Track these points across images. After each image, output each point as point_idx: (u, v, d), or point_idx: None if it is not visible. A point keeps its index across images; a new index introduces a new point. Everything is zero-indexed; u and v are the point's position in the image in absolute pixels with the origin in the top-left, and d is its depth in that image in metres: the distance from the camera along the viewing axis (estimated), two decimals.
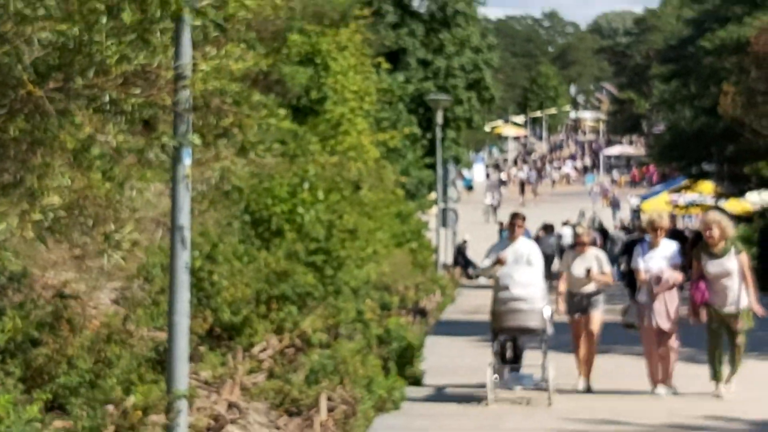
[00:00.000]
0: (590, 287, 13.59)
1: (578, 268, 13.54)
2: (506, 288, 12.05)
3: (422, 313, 21.30)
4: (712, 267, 12.52)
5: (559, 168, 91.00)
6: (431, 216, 38.75)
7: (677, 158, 44.91)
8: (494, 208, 62.03)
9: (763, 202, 40.13)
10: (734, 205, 41.52)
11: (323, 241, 12.80)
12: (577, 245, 13.88)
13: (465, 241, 40.81)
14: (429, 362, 14.82)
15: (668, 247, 13.11)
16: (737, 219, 37.77)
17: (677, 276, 12.96)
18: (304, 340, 11.96)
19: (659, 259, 12.95)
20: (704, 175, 42.54)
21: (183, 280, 7.36)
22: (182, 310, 7.32)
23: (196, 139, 7.74)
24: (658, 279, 12.78)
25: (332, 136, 25.14)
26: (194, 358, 9.75)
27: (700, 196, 43.40)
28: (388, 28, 40.20)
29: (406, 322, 16.14)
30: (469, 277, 36.61)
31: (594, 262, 13.61)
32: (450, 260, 39.50)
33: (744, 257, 12.56)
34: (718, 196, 40.20)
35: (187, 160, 7.46)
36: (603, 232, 41.79)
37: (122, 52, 7.01)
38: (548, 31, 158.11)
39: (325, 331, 12.92)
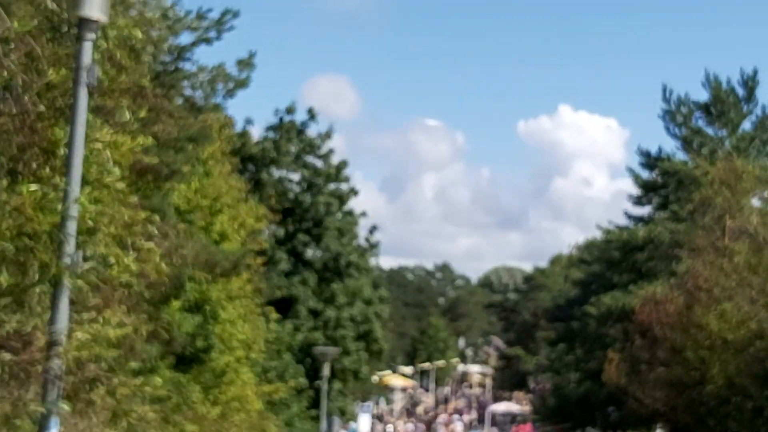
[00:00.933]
0: None
1: None
2: None
3: None
4: None
5: (447, 425, 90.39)
6: None
7: (562, 421, 45.05)
8: None
9: None
10: None
11: None
12: None
13: None
14: None
15: None
16: None
17: None
18: None
19: None
20: None
21: None
22: None
23: (66, 406, 7.43)
24: None
25: (216, 386, 24.71)
26: None
27: None
28: (281, 276, 40.31)
29: None
30: None
31: None
32: None
33: None
34: None
35: (53, 430, 7.13)
36: None
37: None
38: (440, 282, 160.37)
39: None
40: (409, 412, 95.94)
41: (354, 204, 43.68)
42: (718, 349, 26.04)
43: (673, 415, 29.88)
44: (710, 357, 26.41)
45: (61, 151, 7.72)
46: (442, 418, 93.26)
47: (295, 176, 42.67)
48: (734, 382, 25.07)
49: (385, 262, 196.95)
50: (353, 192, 43.20)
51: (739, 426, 25.82)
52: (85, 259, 7.23)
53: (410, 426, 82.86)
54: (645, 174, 40.26)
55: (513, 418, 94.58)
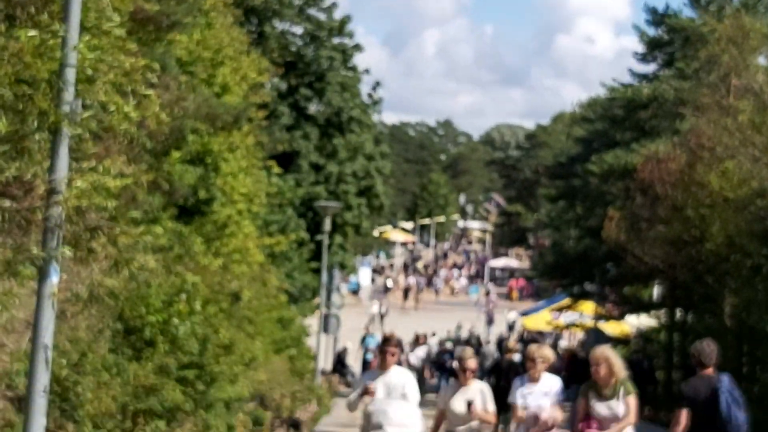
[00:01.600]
0: (472, 426, 11.77)
1: (458, 403, 11.73)
2: (379, 427, 10.01)
3: (296, 425, 20.89)
4: (599, 409, 11.11)
5: (449, 280, 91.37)
6: (314, 319, 38.42)
7: (560, 277, 45.42)
8: (381, 317, 61.75)
9: (642, 325, 40.71)
10: (614, 327, 42.03)
11: (197, 355, 12.45)
12: (461, 373, 11.96)
13: (345, 348, 40.50)
14: None
15: (550, 383, 11.86)
16: (616, 341, 38.25)
17: (557, 415, 11.72)
18: None
19: (539, 395, 11.73)
20: (586, 295, 43.02)
21: (40, 404, 6.99)
22: None
23: (67, 251, 7.44)
24: (536, 418, 11.64)
25: (218, 238, 24.84)
26: None
27: (581, 316, 43.85)
28: (282, 130, 40.21)
29: None
30: (348, 385, 36.24)
31: (478, 396, 11.79)
32: (329, 367, 39.10)
33: (633, 400, 11.08)
34: (599, 317, 40.63)
35: (54, 278, 7.15)
36: (477, 347, 42.00)
37: None
38: (441, 139, 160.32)
39: None
40: (407, 266, 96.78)
41: (357, 60, 43.34)
42: (718, 208, 26.11)
43: (671, 273, 30.10)
44: (710, 215, 26.50)
45: None
46: (442, 272, 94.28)
47: (298, 30, 42.25)
48: (734, 241, 25.19)
49: (387, 117, 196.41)
50: (357, 48, 42.81)
51: (737, 284, 26.05)
52: (84, 106, 7.14)
53: (411, 279, 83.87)
54: (651, 31, 39.84)
55: (511, 274, 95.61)
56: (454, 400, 11.80)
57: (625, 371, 11.30)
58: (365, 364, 37.61)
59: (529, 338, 42.71)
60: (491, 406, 11.82)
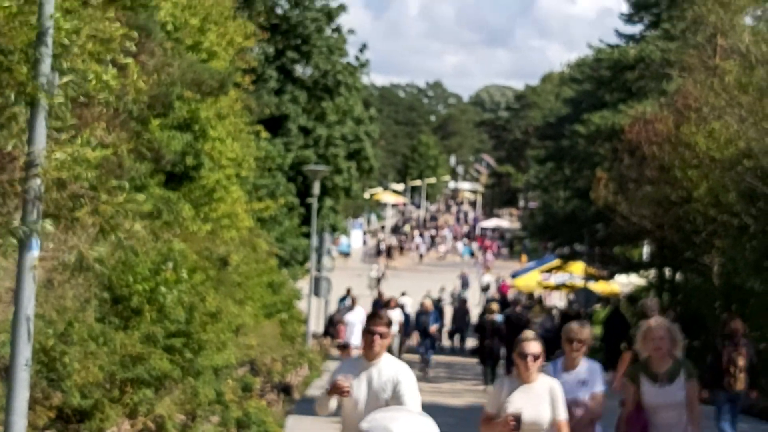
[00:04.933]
0: None
1: (530, 409, 8.24)
2: None
3: (286, 390, 20.97)
4: (653, 395, 9.20)
5: (441, 242, 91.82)
6: (305, 283, 38.48)
7: (549, 238, 45.56)
8: (378, 281, 61.65)
9: (632, 284, 40.87)
10: (603, 287, 42.21)
11: (184, 323, 12.48)
12: (520, 362, 8.33)
13: (337, 311, 40.57)
14: None
15: (590, 368, 9.51)
16: (606, 301, 38.41)
17: (597, 409, 9.43)
18: (159, 425, 11.60)
19: (575, 385, 9.27)
20: (575, 256, 43.17)
21: (22, 378, 7.00)
22: (20, 410, 6.97)
23: (49, 226, 7.44)
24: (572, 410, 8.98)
25: (206, 203, 24.82)
26: None
27: (571, 277, 44.01)
28: (270, 93, 40.10)
29: (267, 403, 15.85)
30: (339, 347, 36.36)
31: (544, 402, 8.33)
32: (321, 330, 39.22)
33: (694, 385, 9.21)
34: (588, 277, 40.78)
35: (35, 250, 7.15)
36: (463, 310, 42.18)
37: None
38: (431, 100, 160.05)
39: (183, 414, 12.58)
40: (397, 227, 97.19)
41: (341, 21, 43.17)
42: (705, 168, 26.18)
43: (659, 233, 30.21)
44: (698, 176, 26.57)
45: None
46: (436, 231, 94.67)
47: None
48: (721, 201, 25.28)
49: (376, 79, 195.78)
50: (342, 8, 42.62)
51: (724, 243, 26.16)
52: (62, 73, 7.11)
53: (418, 239, 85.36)
54: None
55: (502, 234, 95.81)
56: (516, 403, 8.20)
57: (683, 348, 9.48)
58: (329, 330, 37.32)
59: (500, 300, 42.48)
60: (563, 413, 8.39)
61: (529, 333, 8.52)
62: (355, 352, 26.79)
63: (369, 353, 7.93)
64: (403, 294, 40.26)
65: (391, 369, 7.90)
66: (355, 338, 27.83)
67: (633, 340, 12.24)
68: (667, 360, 9.19)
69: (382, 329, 7.90)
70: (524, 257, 75.79)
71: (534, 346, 8.22)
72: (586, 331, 9.62)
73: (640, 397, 9.23)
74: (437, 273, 68.05)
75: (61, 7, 7.67)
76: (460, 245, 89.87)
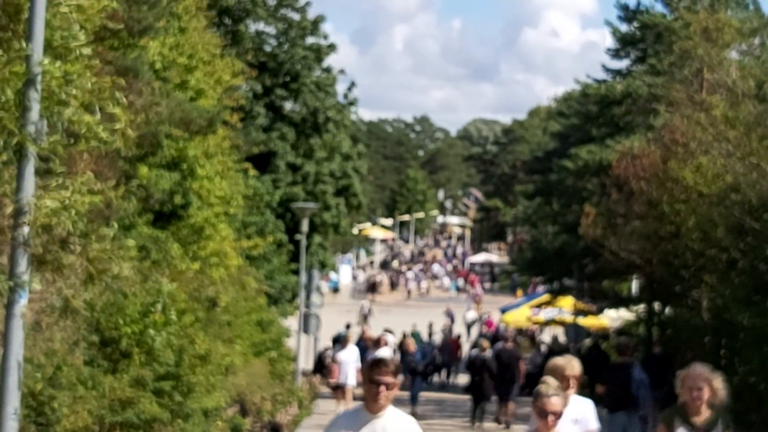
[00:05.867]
0: None
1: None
2: None
3: (276, 429, 20.90)
4: None
5: (434, 278, 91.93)
6: (295, 320, 38.36)
7: (538, 273, 45.50)
8: (365, 317, 61.43)
9: (621, 318, 40.85)
10: (592, 322, 42.19)
11: (173, 366, 12.43)
12: (540, 419, 7.52)
13: (327, 348, 40.45)
14: None
15: (581, 408, 9.35)
16: (596, 336, 38.40)
17: None
18: None
19: (566, 423, 8.34)
20: (565, 291, 43.15)
21: (11, 427, 6.95)
22: None
23: (36, 284, 7.41)
24: None
25: (195, 242, 24.80)
26: None
27: (560, 311, 43.99)
28: (258, 130, 40.17)
29: None
30: (330, 386, 36.19)
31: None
32: (311, 367, 39.11)
33: None
34: (578, 312, 40.76)
35: (23, 300, 7.12)
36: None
37: None
38: (419, 135, 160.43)
39: None
40: (385, 263, 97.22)
41: (330, 60, 43.32)
42: (693, 203, 26.20)
43: (648, 267, 30.19)
44: (686, 210, 26.59)
45: (26, 14, 7.53)
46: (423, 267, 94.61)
47: (272, 30, 42.18)
48: (709, 235, 25.29)
49: (364, 114, 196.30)
50: (331, 47, 42.77)
51: (713, 278, 26.15)
52: (51, 126, 7.11)
53: (411, 274, 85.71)
54: (623, 27, 39.88)
55: (491, 269, 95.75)
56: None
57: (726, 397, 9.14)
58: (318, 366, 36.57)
59: (491, 336, 42.40)
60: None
61: (551, 384, 7.57)
62: (350, 393, 26.59)
63: (373, 406, 6.96)
64: (387, 331, 37.60)
65: (398, 424, 6.98)
66: (350, 378, 27.01)
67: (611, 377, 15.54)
68: (706, 410, 8.94)
69: (389, 379, 6.93)
70: (519, 292, 75.13)
71: (556, 403, 7.40)
72: (576, 366, 9.31)
73: None
74: (426, 308, 67.95)
75: (49, 57, 7.67)
76: (447, 280, 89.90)
